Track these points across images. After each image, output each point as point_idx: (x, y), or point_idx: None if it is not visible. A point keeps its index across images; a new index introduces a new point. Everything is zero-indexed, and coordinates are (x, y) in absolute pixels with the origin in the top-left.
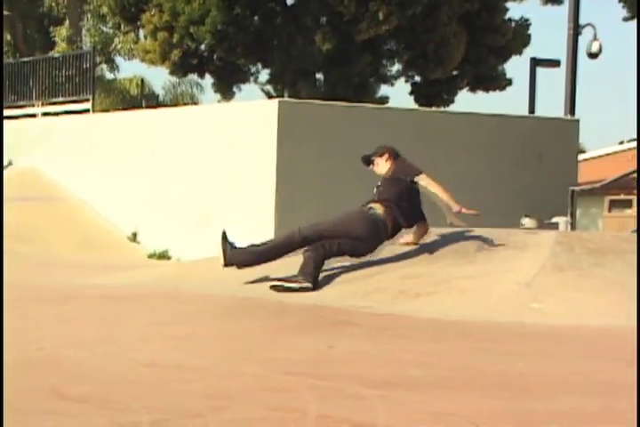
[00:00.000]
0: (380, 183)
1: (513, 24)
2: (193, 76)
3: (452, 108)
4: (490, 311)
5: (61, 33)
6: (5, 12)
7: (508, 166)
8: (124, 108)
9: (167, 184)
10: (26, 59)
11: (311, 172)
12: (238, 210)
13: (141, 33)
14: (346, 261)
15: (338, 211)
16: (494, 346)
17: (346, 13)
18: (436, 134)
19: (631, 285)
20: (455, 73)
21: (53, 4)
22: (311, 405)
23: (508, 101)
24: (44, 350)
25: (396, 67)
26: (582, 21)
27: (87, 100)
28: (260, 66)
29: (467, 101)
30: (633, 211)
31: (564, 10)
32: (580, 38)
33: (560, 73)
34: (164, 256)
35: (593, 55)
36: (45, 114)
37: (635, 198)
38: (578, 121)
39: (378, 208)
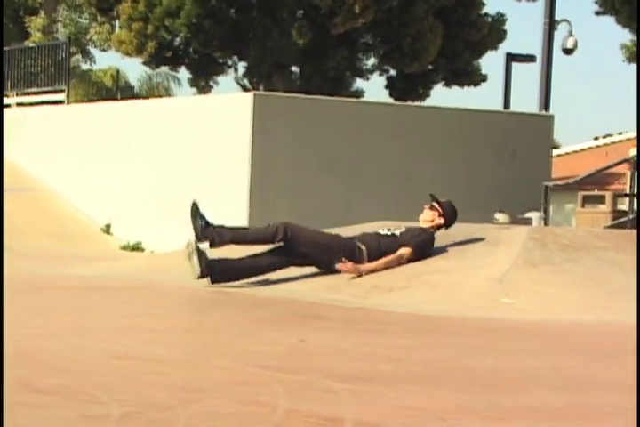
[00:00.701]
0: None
1: (489, 19)
2: (169, 70)
3: (428, 102)
4: (462, 306)
5: (36, 23)
6: None
7: (483, 161)
8: (99, 100)
9: (141, 176)
10: None
11: (286, 164)
12: (212, 202)
13: (117, 24)
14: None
15: (312, 203)
16: (465, 341)
17: (322, 6)
18: (411, 129)
19: (603, 280)
20: (431, 67)
21: None
22: (281, 399)
23: (482, 97)
24: (15, 341)
25: (372, 60)
26: (558, 17)
27: (62, 90)
28: (236, 59)
29: (442, 96)
30: (607, 206)
31: (539, 5)
32: (556, 34)
33: (535, 69)
34: (137, 248)
35: (568, 51)
36: (20, 104)
37: (608, 194)
38: (552, 117)
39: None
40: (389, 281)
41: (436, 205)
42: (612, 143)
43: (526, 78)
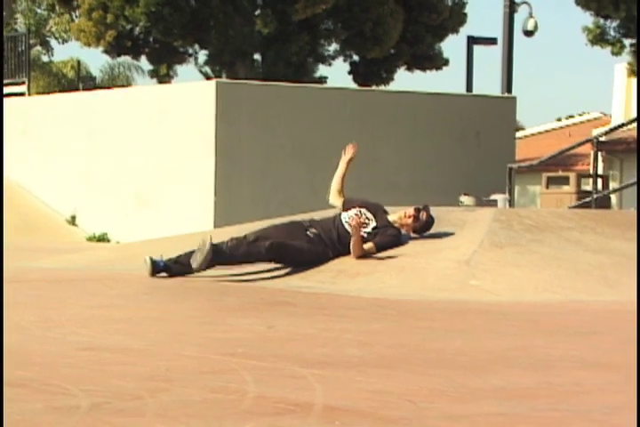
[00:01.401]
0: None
1: (449, 2)
2: (131, 58)
3: (391, 87)
4: (429, 289)
5: None
6: None
7: (447, 145)
8: (61, 91)
9: (105, 167)
10: None
11: (250, 151)
12: (178, 192)
13: (76, 14)
14: None
15: (277, 190)
16: (433, 324)
17: None
18: (374, 113)
19: (569, 260)
20: (393, 52)
21: None
22: (250, 385)
23: (445, 80)
24: None
25: (334, 46)
26: None
27: (23, 82)
28: (197, 47)
29: (405, 81)
30: (571, 187)
31: None
32: (516, 16)
33: (497, 51)
34: (103, 239)
35: (529, 33)
36: None
37: (572, 175)
38: (514, 98)
39: None
40: (356, 266)
41: (422, 213)
42: (575, 124)
43: (488, 61)
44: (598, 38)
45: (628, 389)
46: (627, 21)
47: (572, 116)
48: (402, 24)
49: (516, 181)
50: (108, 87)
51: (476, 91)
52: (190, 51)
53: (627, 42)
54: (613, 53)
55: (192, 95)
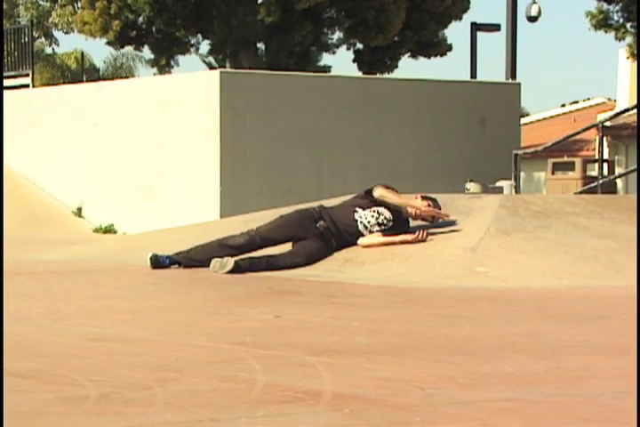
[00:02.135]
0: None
1: None
2: (134, 49)
3: (396, 74)
4: (436, 277)
5: None
6: None
7: (452, 132)
8: (65, 83)
9: (110, 158)
10: None
11: (255, 142)
12: (183, 183)
13: (79, 5)
14: None
15: (283, 180)
16: (441, 311)
17: None
18: (379, 101)
19: (576, 246)
20: (396, 39)
21: None
22: (259, 374)
23: (450, 67)
24: None
25: (337, 35)
26: None
27: (27, 74)
28: (200, 37)
29: (410, 68)
30: (577, 173)
31: None
32: (520, 2)
33: (500, 37)
34: (109, 230)
35: (532, 19)
36: None
37: (578, 160)
38: (519, 84)
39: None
40: (362, 255)
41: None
42: (580, 109)
43: (492, 47)
44: (602, 23)
45: (637, 373)
46: (629, 4)
47: (576, 102)
48: (405, 11)
49: (522, 167)
50: (112, 78)
51: (480, 77)
52: (193, 41)
53: (628, 25)
54: (617, 38)
55: (196, 85)
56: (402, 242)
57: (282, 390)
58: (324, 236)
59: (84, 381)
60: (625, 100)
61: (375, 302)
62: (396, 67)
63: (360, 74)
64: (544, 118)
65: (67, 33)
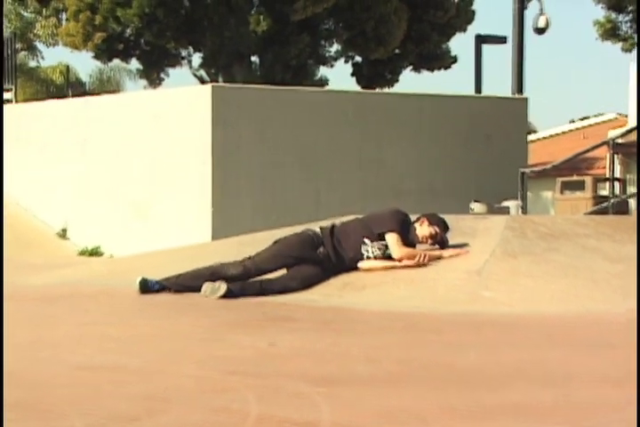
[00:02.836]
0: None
1: (456, 0)
2: (122, 62)
3: (397, 88)
4: (439, 301)
5: None
6: None
7: (456, 149)
8: (49, 98)
9: (97, 177)
10: None
11: (249, 159)
12: (173, 202)
13: (63, 17)
14: None
15: (279, 199)
16: (444, 337)
17: None
18: (379, 117)
19: (585, 269)
20: (397, 52)
21: None
22: (253, 405)
23: (454, 81)
24: None
25: (335, 47)
26: None
27: (9, 89)
28: (191, 49)
29: (411, 82)
30: (587, 192)
31: None
32: (527, 13)
33: (507, 50)
34: (96, 253)
35: (540, 30)
36: None
37: (588, 179)
38: (526, 99)
39: None
40: (362, 278)
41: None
42: (590, 126)
43: (498, 60)
44: (609, 33)
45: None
46: (638, 15)
47: (586, 118)
48: (406, 22)
49: (529, 186)
50: (98, 93)
51: (485, 92)
52: (184, 53)
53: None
54: (624, 50)
55: (187, 100)
56: (403, 267)
57: (276, 421)
58: (322, 262)
59: (69, 411)
60: (637, 115)
61: (375, 328)
62: (397, 81)
63: (359, 88)
64: (552, 135)
65: (51, 46)
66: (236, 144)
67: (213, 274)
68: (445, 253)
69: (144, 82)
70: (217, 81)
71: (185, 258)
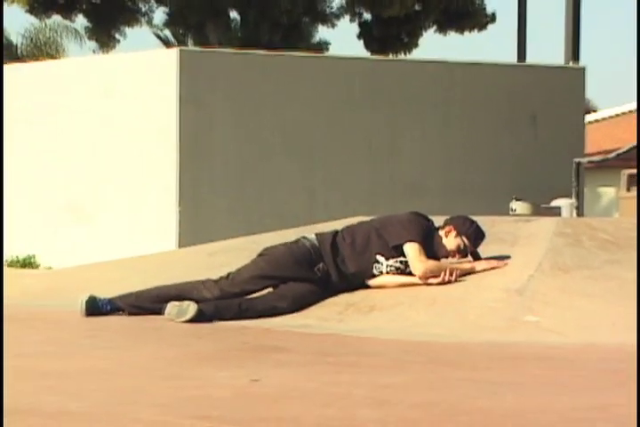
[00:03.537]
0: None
1: None
2: (64, 20)
3: (415, 54)
4: (469, 329)
5: None
6: None
7: (491, 133)
8: None
9: (30, 168)
10: None
11: (226, 146)
12: (128, 200)
13: None
14: None
15: (263, 195)
16: (475, 375)
17: None
18: (394, 91)
19: None
20: (418, 8)
21: None
22: None
23: (490, 45)
24: None
25: (338, 2)
26: None
27: None
28: (153, 3)
29: (435, 47)
30: None
31: None
32: None
33: (559, 7)
34: (29, 263)
35: None
36: None
37: None
38: (583, 70)
39: None
40: (371, 298)
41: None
42: None
43: (548, 20)
44: None
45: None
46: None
47: None
48: None
49: (586, 180)
50: (33, 58)
51: (530, 60)
52: (144, 8)
53: None
54: None
55: (147, 68)
56: (425, 284)
57: None
58: (320, 280)
59: None
60: (637, 115)
61: (387, 363)
62: (416, 45)
63: (368, 54)
64: (616, 115)
65: None
66: (209, 126)
67: (181, 296)
68: (478, 265)
69: (93, 44)
70: (186, 44)
71: (143, 271)
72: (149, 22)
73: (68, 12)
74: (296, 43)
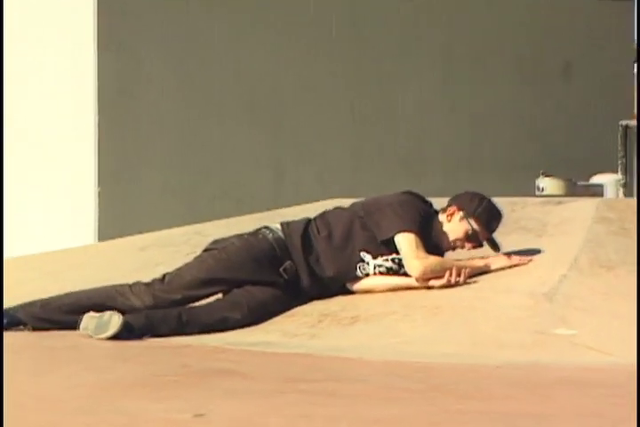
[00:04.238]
0: None
1: None
2: None
3: None
4: (483, 346)
5: None
6: None
7: (511, 87)
8: None
9: None
10: None
11: (161, 106)
12: (32, 180)
13: None
14: None
15: (210, 171)
16: (492, 406)
17: None
18: (382, 28)
19: None
20: None
21: None
22: None
23: None
24: None
25: None
26: None
27: None
28: None
29: None
30: None
31: None
32: None
33: None
34: None
35: None
36: None
37: None
38: (634, 2)
39: None
40: (353, 306)
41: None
42: None
43: None
44: None
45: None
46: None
47: None
48: None
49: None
50: None
51: None
52: None
53: None
54: None
55: (55, 4)
56: (425, 287)
57: None
58: (287, 284)
59: None
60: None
61: (374, 391)
62: None
63: None
64: None
65: None
66: (137, 80)
67: (101, 305)
68: (494, 262)
69: None
70: None
71: (51, 272)
72: None
73: None
74: None
